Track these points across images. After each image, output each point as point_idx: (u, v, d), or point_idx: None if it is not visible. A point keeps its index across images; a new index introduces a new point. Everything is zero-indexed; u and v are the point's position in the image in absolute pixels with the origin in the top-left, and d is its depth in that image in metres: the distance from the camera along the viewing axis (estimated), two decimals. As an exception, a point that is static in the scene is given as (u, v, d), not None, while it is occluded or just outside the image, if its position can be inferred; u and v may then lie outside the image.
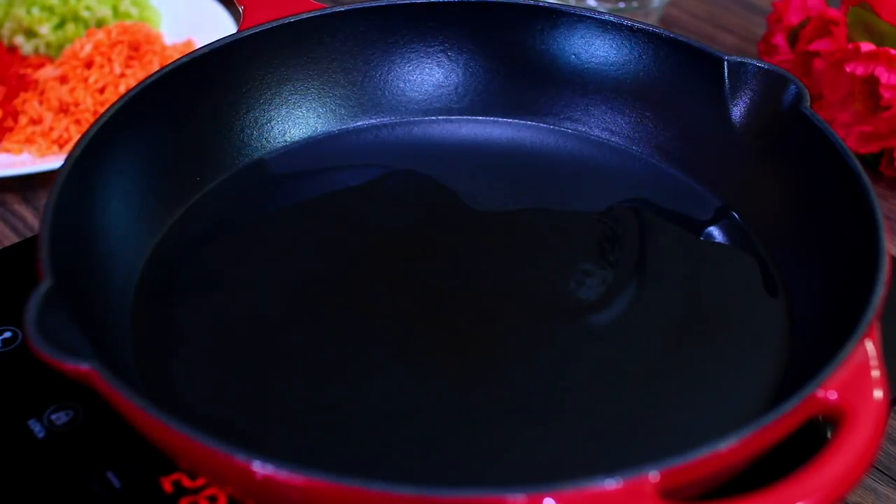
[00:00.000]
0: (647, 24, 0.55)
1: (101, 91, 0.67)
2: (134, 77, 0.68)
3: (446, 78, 0.58)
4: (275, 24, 0.54)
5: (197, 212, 0.52)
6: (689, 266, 0.51)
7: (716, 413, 0.43)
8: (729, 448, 0.34)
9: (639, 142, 0.57)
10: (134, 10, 0.75)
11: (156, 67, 0.69)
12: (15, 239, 0.60)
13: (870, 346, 0.38)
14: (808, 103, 0.50)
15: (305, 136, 0.56)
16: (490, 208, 0.53)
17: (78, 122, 0.66)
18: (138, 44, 0.70)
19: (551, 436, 0.42)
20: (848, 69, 0.63)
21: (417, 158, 0.56)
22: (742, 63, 0.52)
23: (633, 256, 0.51)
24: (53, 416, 0.45)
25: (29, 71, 0.70)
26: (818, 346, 0.41)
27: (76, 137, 0.65)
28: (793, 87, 0.50)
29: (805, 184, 0.50)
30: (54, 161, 0.63)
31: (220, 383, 0.44)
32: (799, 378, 0.39)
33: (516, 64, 0.58)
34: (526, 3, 0.57)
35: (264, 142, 0.55)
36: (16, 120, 0.67)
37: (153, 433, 0.36)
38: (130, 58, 0.69)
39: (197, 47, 0.57)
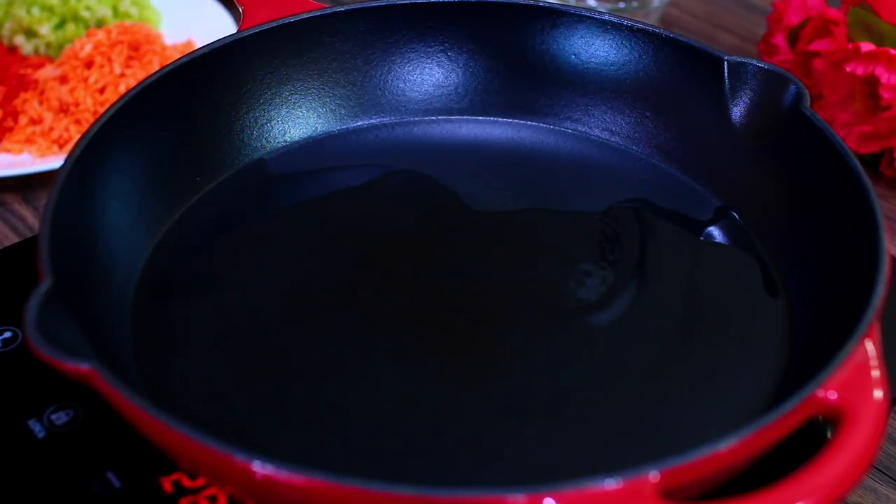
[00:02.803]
0: (647, 24, 0.55)
1: (101, 91, 0.67)
2: (134, 77, 0.68)
3: (446, 78, 0.58)
4: (275, 24, 0.54)
5: (197, 212, 0.52)
6: (689, 266, 0.51)
7: (716, 413, 0.43)
8: (729, 448, 0.34)
9: (639, 142, 0.57)
10: (134, 10, 0.75)
11: (156, 67, 0.69)
12: (15, 239, 0.60)
13: (870, 346, 0.38)
14: (808, 103, 0.50)
15: (305, 136, 0.56)
16: (490, 208, 0.53)
17: (78, 122, 0.66)
18: (138, 44, 0.70)
19: (551, 436, 0.42)
20: (848, 69, 0.63)
21: (417, 158, 0.56)
22: (742, 63, 0.52)
23: (633, 256, 0.51)
24: (53, 416, 0.45)
25: (29, 71, 0.70)
26: (818, 346, 0.41)
27: (76, 137, 0.65)
28: (793, 87, 0.50)
29: (805, 184, 0.50)
30: (54, 161, 0.63)
31: (220, 383, 0.44)
32: (799, 378, 0.39)
33: (516, 64, 0.58)
34: (526, 3, 0.57)
35: (264, 142, 0.55)
36: (16, 120, 0.67)
37: (153, 433, 0.36)
38: (130, 58, 0.69)
39: (197, 47, 0.57)
